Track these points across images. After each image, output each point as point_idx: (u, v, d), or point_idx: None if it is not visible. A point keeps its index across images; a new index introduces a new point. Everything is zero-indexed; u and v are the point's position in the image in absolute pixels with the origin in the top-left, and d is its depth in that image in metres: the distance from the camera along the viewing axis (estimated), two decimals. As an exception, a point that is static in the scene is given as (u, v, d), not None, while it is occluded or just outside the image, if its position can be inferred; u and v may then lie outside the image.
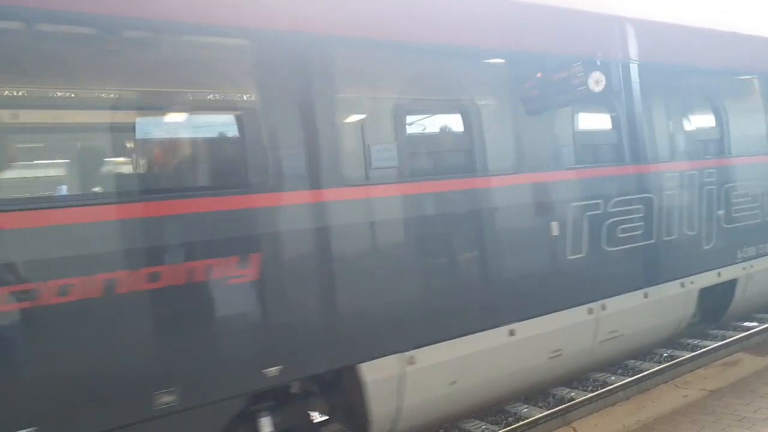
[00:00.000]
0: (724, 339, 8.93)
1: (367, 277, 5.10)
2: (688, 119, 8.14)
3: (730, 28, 8.88)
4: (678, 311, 7.97)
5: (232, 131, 4.84)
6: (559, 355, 6.68)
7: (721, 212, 8.24)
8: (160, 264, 4.17)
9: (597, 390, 7.58)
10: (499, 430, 6.71)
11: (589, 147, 7.13)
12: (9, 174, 4.11)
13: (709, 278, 8.18)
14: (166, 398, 4.16)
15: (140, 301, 4.08)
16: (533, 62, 6.39)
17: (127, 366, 4.07)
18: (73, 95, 4.24)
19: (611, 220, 6.94)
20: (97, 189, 4.40)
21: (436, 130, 6.21)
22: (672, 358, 8.46)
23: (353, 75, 5.43)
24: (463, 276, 5.82)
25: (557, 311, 6.47)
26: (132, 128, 4.40)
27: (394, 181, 5.37)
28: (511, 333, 6.08)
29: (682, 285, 7.82)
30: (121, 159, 4.51)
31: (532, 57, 6.41)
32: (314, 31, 4.95)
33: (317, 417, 5.99)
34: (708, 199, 8.11)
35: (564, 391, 7.66)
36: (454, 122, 6.20)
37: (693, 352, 8.44)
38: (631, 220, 7.15)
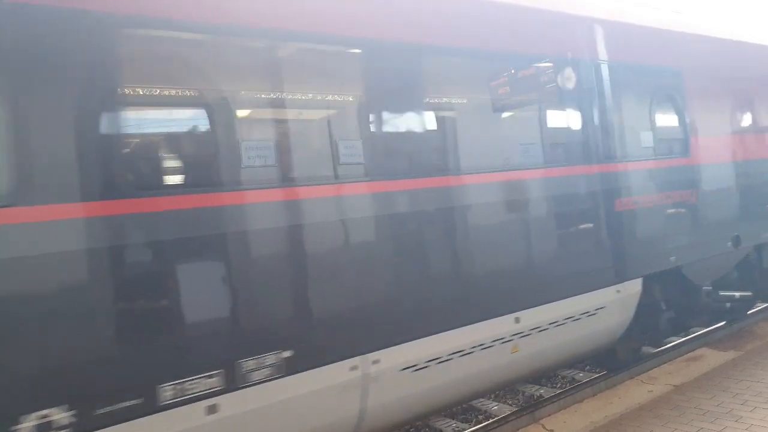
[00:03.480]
0: (688, 335, 9.11)
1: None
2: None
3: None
4: None
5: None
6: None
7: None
8: None
9: (565, 387, 7.67)
10: (469, 427, 6.74)
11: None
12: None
13: None
14: None
15: None
16: None
17: None
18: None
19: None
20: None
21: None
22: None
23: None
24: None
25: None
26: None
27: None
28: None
29: None
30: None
31: None
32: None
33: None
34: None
35: (533, 389, 7.74)
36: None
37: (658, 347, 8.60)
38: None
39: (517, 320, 5.85)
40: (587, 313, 6.54)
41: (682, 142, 7.75)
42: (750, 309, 9.70)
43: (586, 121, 6.65)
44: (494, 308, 5.72)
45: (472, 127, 5.96)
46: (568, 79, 6.58)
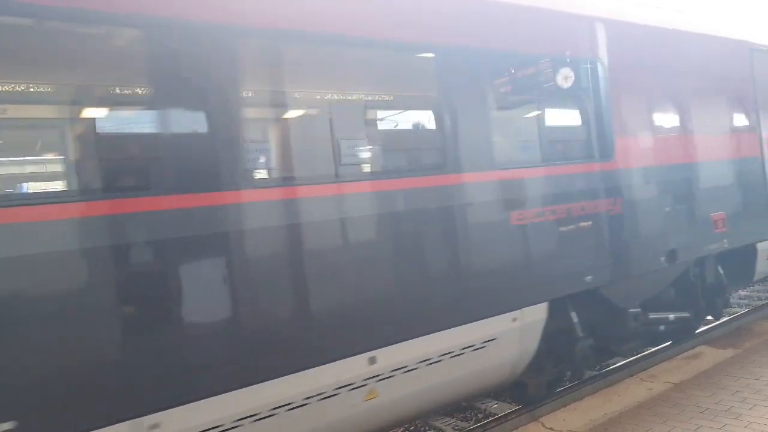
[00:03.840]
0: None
1: None
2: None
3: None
4: None
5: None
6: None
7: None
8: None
9: (565, 384, 7.68)
10: (469, 426, 6.75)
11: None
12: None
13: None
14: None
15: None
16: None
17: None
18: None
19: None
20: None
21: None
22: (637, 352, 8.61)
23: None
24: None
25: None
26: None
27: None
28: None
29: None
30: None
31: None
32: None
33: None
34: None
35: (532, 387, 7.74)
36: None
37: (657, 345, 8.61)
38: None
39: (372, 361, 4.89)
40: (471, 347, 5.56)
41: (604, 143, 6.70)
42: (697, 329, 8.78)
43: (471, 122, 5.63)
44: (340, 348, 4.72)
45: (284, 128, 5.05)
46: (443, 70, 5.52)
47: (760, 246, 8.70)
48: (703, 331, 9.08)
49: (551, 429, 5.82)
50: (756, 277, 8.97)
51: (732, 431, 5.27)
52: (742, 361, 7.18)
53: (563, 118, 7.01)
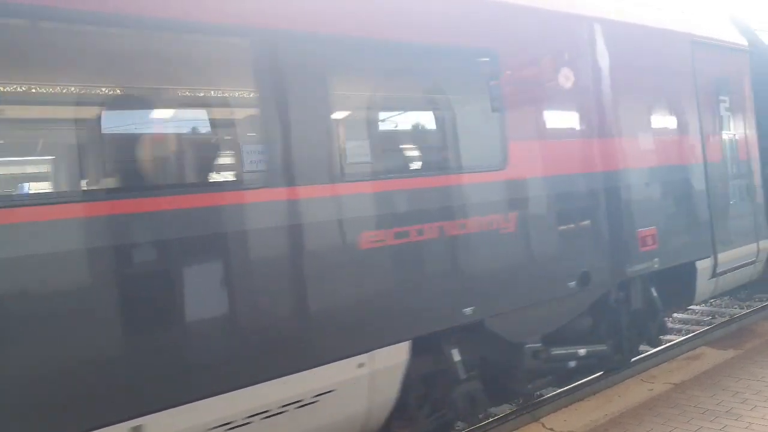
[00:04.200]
0: (688, 333, 9.12)
1: None
2: None
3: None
4: None
5: None
6: None
7: None
8: None
9: (565, 385, 7.66)
10: (469, 427, 6.74)
11: None
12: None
13: None
14: None
15: None
16: None
17: None
18: None
19: None
20: None
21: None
22: (638, 352, 8.60)
23: None
24: None
25: None
26: None
27: None
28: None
29: None
30: None
31: None
32: None
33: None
34: None
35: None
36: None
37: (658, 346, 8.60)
38: None
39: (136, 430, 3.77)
40: (297, 404, 4.42)
41: (495, 149, 5.66)
42: (628, 360, 7.41)
43: (301, 123, 4.53)
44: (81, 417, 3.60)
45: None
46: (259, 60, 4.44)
47: (700, 264, 7.57)
48: (703, 331, 9.07)
49: (551, 429, 5.81)
50: (697, 300, 7.89)
51: (732, 432, 5.27)
52: (743, 361, 7.17)
53: (440, 118, 5.78)
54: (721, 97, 8.22)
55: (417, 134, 5.86)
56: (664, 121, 7.38)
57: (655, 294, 7.36)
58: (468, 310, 5.29)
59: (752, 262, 8.50)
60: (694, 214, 7.58)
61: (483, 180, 5.54)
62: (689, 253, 7.48)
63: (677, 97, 7.61)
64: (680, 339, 8.85)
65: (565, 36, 6.40)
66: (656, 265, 6.95)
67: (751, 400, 5.91)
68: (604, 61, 6.71)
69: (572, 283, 6.10)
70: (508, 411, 6.91)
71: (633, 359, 7.51)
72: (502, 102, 5.66)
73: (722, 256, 7.84)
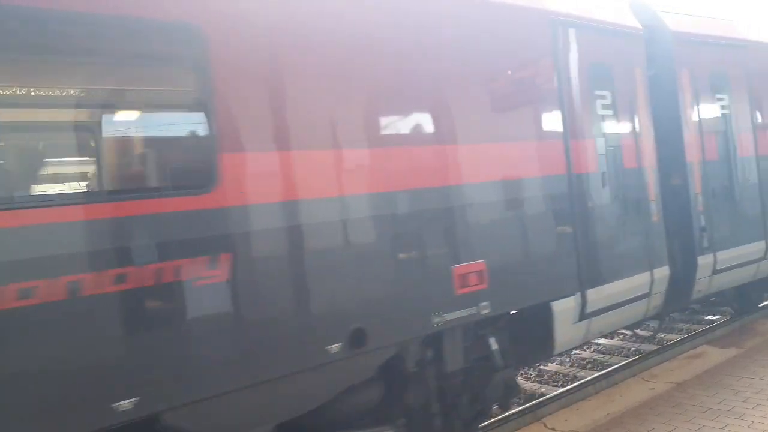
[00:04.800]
0: (689, 332, 9.12)
1: None
2: None
3: None
4: None
5: None
6: None
7: None
8: None
9: (567, 385, 7.68)
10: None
11: None
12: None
13: None
14: None
15: None
16: None
17: None
18: None
19: None
20: None
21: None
22: (639, 352, 8.60)
23: None
24: None
25: None
26: None
27: None
28: None
29: None
30: None
31: None
32: None
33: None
34: None
35: (534, 387, 7.75)
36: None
37: (659, 345, 8.60)
38: None
39: None
40: None
41: (196, 163, 4.08)
42: None
43: None
44: None
45: None
46: None
47: (559, 306, 5.79)
48: (705, 329, 9.07)
49: (553, 429, 5.81)
50: (558, 350, 6.08)
51: (734, 431, 5.27)
52: (744, 360, 7.18)
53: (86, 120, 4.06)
54: (598, 92, 6.47)
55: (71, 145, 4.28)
56: (502, 121, 5.61)
57: (494, 347, 5.54)
58: (126, 404, 3.50)
59: (645, 296, 6.71)
60: (550, 240, 5.84)
61: (162, 209, 3.74)
62: (541, 292, 5.72)
63: (525, 92, 5.87)
64: (681, 338, 8.84)
65: (317, 5, 4.52)
66: (485, 311, 5.19)
67: (753, 398, 5.91)
68: (392, 38, 4.89)
69: (335, 346, 4.34)
70: (511, 411, 6.91)
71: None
72: (211, 97, 3.94)
73: (595, 293, 6.08)
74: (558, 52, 6.07)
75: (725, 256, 7.77)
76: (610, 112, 6.62)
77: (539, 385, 7.83)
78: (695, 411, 5.77)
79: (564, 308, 5.85)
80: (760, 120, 8.65)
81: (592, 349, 9.22)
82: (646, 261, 6.76)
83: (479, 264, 5.20)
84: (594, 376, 7.79)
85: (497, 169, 5.46)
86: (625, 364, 8.02)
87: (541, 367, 8.43)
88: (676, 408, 5.90)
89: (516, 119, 5.74)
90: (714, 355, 7.51)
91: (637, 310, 6.79)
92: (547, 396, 7.27)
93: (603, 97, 6.54)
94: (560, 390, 7.41)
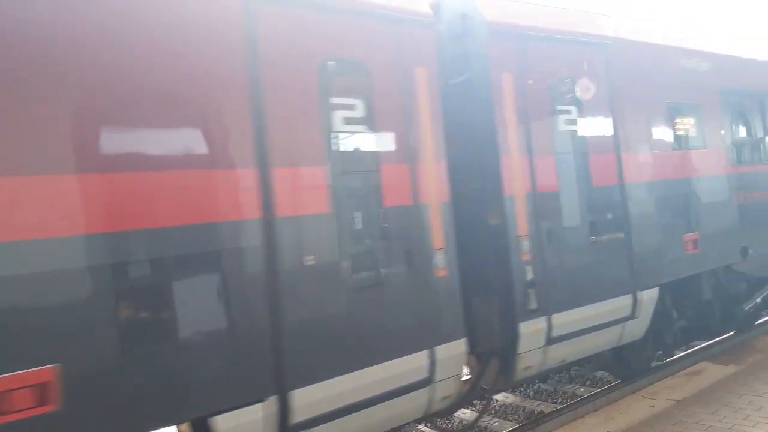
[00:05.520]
0: (689, 349, 9.08)
1: None
2: None
3: None
4: None
5: None
6: None
7: None
8: None
9: (566, 402, 7.63)
10: (471, 444, 6.69)
11: None
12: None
13: None
14: None
15: None
16: None
17: None
18: None
19: None
20: None
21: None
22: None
23: None
24: None
25: None
26: None
27: None
28: None
29: None
30: None
31: None
32: None
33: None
34: None
35: (534, 404, 7.70)
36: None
37: (658, 362, 8.55)
38: None
39: None
40: None
41: None
42: None
43: None
44: None
45: None
46: None
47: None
48: (705, 346, 9.04)
49: (553, 447, 5.79)
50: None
51: (735, 449, 5.24)
52: (745, 377, 7.15)
53: None
54: (337, 100, 4.74)
55: None
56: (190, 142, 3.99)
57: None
58: None
59: (421, 384, 5.03)
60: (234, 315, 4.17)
61: None
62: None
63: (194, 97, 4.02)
64: (681, 354, 8.80)
65: None
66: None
67: (753, 416, 5.88)
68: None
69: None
70: (510, 428, 6.87)
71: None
72: None
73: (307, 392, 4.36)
74: (251, 43, 4.23)
75: (566, 319, 6.06)
76: (361, 127, 4.86)
77: (538, 402, 7.78)
78: (695, 429, 5.74)
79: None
80: (624, 138, 6.76)
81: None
82: (420, 338, 5.00)
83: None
84: (593, 392, 7.76)
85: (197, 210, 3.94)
86: (624, 381, 7.99)
87: (540, 384, 8.38)
88: (677, 426, 5.86)
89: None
90: (714, 372, 7.48)
91: (409, 406, 5.00)
92: (547, 413, 7.24)
93: (348, 107, 4.77)
94: (560, 407, 7.37)
